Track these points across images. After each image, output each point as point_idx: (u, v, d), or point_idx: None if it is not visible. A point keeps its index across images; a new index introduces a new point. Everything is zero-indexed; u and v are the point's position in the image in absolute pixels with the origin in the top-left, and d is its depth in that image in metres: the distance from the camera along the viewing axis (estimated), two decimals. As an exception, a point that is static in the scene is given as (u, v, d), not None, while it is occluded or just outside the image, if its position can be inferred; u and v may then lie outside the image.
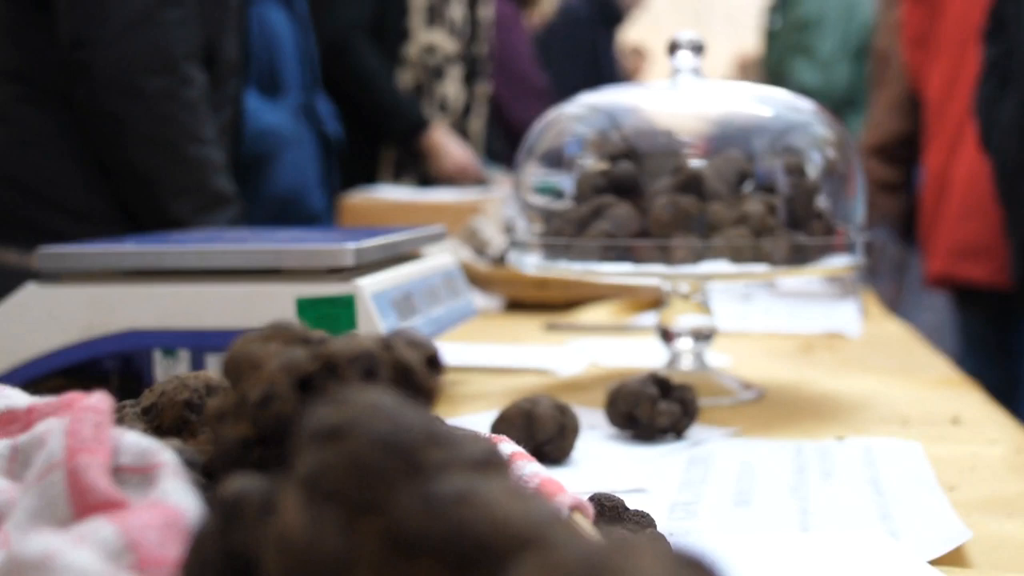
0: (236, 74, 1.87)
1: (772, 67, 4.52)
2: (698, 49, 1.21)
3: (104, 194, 1.69)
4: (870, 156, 3.60)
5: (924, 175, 2.96)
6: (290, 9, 2.54)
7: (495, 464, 0.30)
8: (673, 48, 1.21)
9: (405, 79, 3.00)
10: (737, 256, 1.07)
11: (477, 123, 3.22)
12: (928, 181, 2.92)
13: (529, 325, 1.71)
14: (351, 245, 1.00)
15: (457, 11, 3.06)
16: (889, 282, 3.89)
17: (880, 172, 3.60)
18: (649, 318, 1.71)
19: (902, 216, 3.65)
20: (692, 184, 1.12)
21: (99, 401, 0.44)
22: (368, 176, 3.00)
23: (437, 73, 3.03)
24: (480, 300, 1.84)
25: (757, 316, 1.77)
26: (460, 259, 1.87)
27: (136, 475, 0.41)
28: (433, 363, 0.40)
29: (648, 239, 1.10)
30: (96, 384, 1.09)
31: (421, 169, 3.05)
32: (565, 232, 1.14)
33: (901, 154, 3.51)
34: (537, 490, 0.44)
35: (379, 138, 3.02)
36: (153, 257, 1.04)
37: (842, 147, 1.19)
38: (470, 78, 3.15)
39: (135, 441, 0.42)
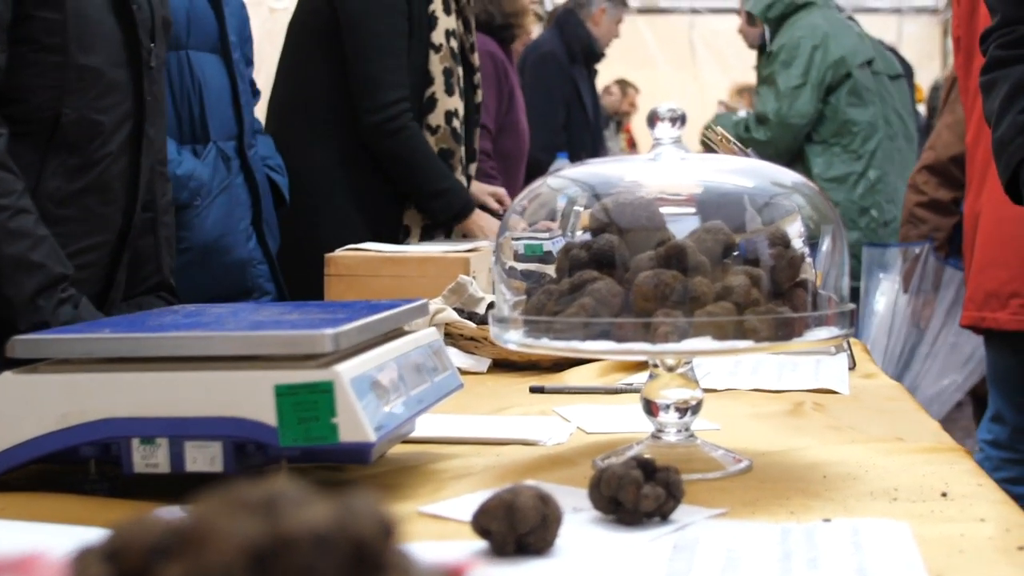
0: (118, 130, 1.81)
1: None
2: (679, 120, 1.20)
3: None
4: (923, 172, 3.63)
5: (965, 214, 2.98)
6: (225, 58, 2.55)
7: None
8: (652, 120, 1.20)
9: (433, 145, 3.03)
10: (720, 333, 1.06)
11: (474, 168, 3.26)
12: (966, 221, 2.94)
13: (515, 387, 1.70)
14: (329, 331, 0.99)
15: (460, 72, 3.08)
16: (923, 298, 3.90)
17: (932, 190, 3.63)
18: (638, 378, 1.70)
19: (947, 235, 3.68)
20: (675, 257, 1.11)
21: (51, 564, 0.42)
22: (397, 240, 3.01)
23: (460, 137, 3.06)
24: (465, 360, 1.82)
25: (746, 374, 1.76)
26: (446, 319, 1.85)
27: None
28: (390, 532, 0.38)
29: (630, 316, 1.09)
30: (74, 470, 1.08)
31: (450, 232, 3.10)
32: (547, 306, 1.13)
33: (954, 174, 3.53)
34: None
35: (403, 205, 3.05)
36: (130, 344, 1.03)
37: (825, 217, 1.18)
38: (470, 129, 3.18)
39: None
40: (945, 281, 3.79)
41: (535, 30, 5.48)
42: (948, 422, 3.63)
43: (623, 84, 8.88)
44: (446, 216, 3.01)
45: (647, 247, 1.14)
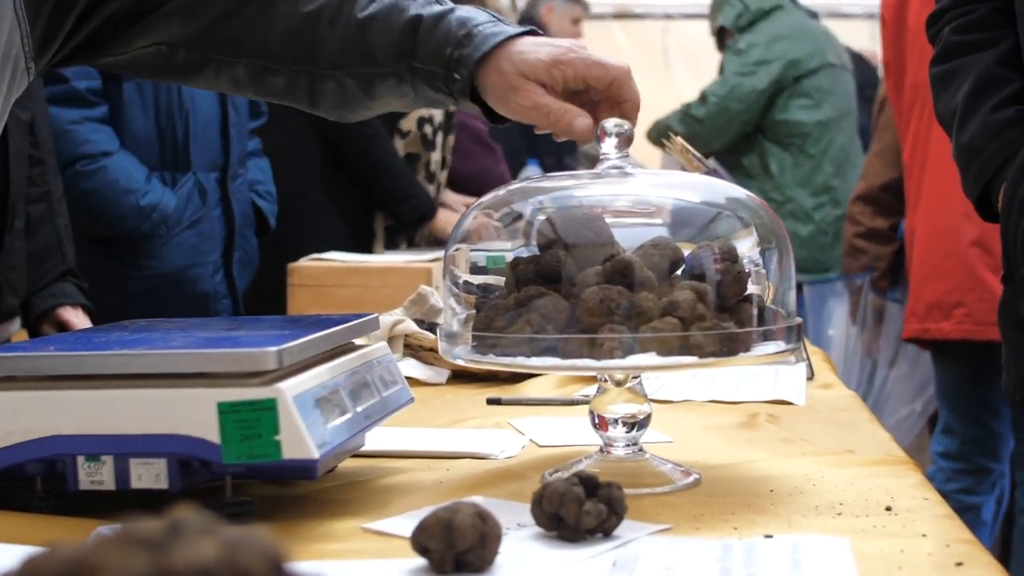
0: None
1: None
2: (626, 138, 1.21)
3: None
4: (858, 203, 3.64)
5: (905, 231, 2.99)
6: None
7: None
8: (601, 135, 1.21)
9: (400, 150, 3.04)
10: (665, 349, 1.07)
11: (445, 176, 3.27)
12: (906, 237, 2.95)
13: (473, 399, 1.70)
14: (272, 348, 0.99)
15: None
16: (868, 331, 3.91)
17: (868, 219, 3.64)
18: (595, 389, 1.71)
19: (887, 265, 3.69)
20: (620, 272, 1.12)
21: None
22: (364, 245, 3.02)
23: (430, 143, 3.07)
24: (424, 371, 1.83)
25: (704, 384, 1.77)
26: (405, 330, 1.86)
27: None
28: (278, 567, 0.39)
29: (576, 332, 1.10)
30: (20, 487, 1.08)
31: (414, 236, 3.12)
32: (494, 322, 1.14)
33: (888, 201, 3.54)
34: None
35: (373, 210, 3.06)
36: (74, 362, 1.03)
37: (772, 232, 1.19)
38: (445, 137, 3.19)
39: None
40: (888, 315, 3.81)
41: None
42: (917, 449, 3.64)
43: None
44: (411, 219, 3.02)
45: (594, 262, 1.15)
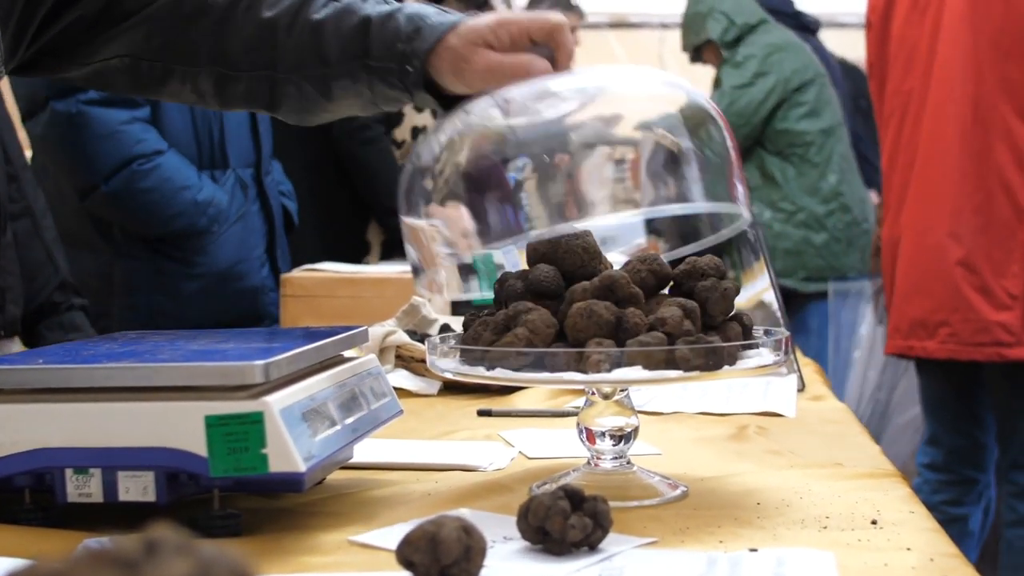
0: None
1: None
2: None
3: None
4: None
5: (883, 237, 2.99)
6: None
7: None
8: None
9: (398, 160, 3.04)
10: (651, 363, 1.07)
11: None
12: (883, 245, 2.95)
13: (463, 410, 1.71)
14: (259, 362, 1.00)
15: None
16: None
17: None
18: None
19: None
20: (609, 288, 1.12)
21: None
22: (357, 256, 3.02)
23: None
24: (416, 383, 1.83)
25: (694, 397, 1.77)
26: (397, 341, 1.86)
27: None
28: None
29: (563, 345, 1.10)
30: (8, 500, 1.08)
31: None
32: (484, 337, 1.14)
33: None
34: None
35: (368, 220, 3.05)
36: (63, 375, 1.03)
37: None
38: None
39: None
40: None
41: None
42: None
43: None
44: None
45: (582, 278, 1.15)
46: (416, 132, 3.05)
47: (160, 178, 2.43)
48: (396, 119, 3.03)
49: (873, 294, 3.93)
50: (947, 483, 2.98)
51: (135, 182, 2.41)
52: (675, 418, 1.65)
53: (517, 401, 1.77)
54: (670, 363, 1.08)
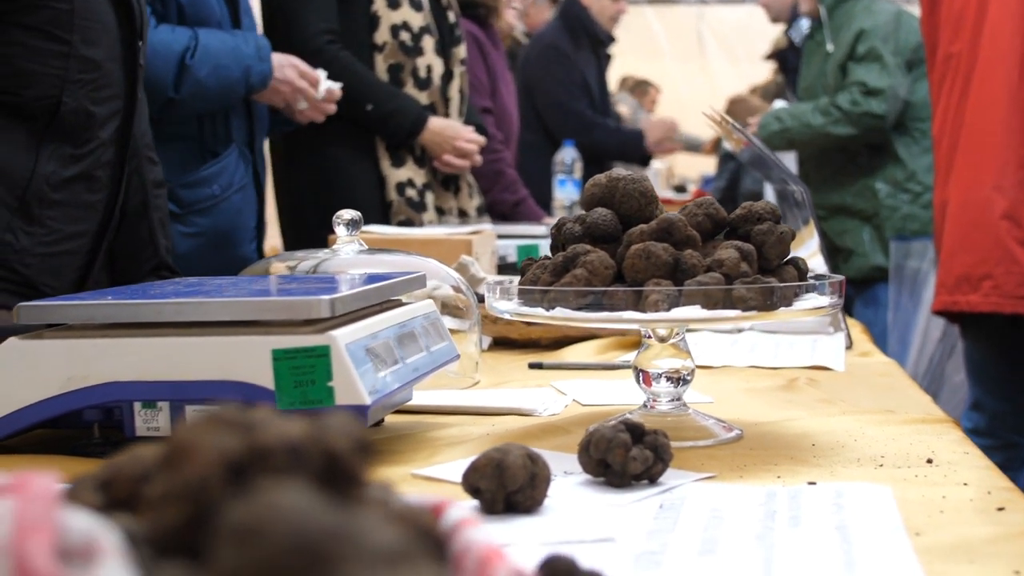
0: (108, 123, 1.80)
1: (809, 87, 4.36)
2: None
3: None
4: None
5: (934, 204, 2.97)
6: None
7: (404, 556, 0.31)
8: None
9: (381, 64, 2.98)
10: (709, 302, 1.08)
11: (456, 89, 3.19)
12: (935, 211, 2.94)
13: (514, 364, 1.72)
14: (326, 296, 1.01)
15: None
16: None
17: None
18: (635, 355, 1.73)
19: None
20: (666, 231, 1.13)
21: (47, 483, 0.45)
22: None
23: (413, 49, 3.00)
24: (467, 338, 1.84)
25: (743, 351, 1.78)
26: (447, 296, 1.87)
27: (80, 558, 0.42)
28: (364, 448, 0.41)
29: (620, 285, 1.11)
30: (78, 434, 1.10)
31: (415, 149, 3.05)
32: (542, 279, 1.15)
33: None
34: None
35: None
36: (131, 310, 1.05)
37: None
38: (444, 47, 3.12)
39: (81, 523, 0.44)
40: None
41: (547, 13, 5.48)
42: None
43: (643, 85, 8.47)
44: (402, 136, 2.97)
45: (640, 221, 1.17)
46: (396, 30, 2.96)
47: (210, 55, 2.43)
48: (372, 24, 2.96)
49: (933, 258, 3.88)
50: (990, 448, 2.97)
51: (197, 72, 2.40)
52: (725, 371, 1.66)
53: (568, 355, 1.78)
54: (727, 303, 1.09)
